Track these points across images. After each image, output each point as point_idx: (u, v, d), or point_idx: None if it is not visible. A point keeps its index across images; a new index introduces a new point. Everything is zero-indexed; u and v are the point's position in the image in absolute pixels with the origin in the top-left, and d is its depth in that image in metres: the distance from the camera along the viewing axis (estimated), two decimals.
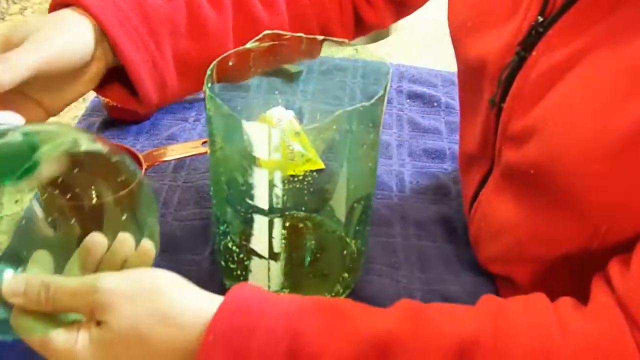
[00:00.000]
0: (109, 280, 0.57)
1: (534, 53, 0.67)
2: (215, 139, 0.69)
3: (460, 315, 0.58)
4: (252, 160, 0.64)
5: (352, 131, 0.66)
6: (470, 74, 0.80)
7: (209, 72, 0.68)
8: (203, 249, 0.86)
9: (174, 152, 0.94)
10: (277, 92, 1.01)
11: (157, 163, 0.92)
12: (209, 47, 0.78)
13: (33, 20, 0.71)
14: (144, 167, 0.86)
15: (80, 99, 1.11)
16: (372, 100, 0.65)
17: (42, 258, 0.60)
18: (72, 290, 0.57)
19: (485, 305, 0.60)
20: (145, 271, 0.59)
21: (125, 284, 0.57)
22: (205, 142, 0.97)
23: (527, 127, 0.67)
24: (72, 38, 0.69)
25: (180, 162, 0.98)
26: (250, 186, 0.67)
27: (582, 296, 0.60)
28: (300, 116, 1.02)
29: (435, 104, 1.17)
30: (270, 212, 0.68)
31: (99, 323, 0.57)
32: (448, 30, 0.89)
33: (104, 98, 1.06)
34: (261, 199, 0.67)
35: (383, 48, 1.30)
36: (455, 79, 1.25)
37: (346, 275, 0.77)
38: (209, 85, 0.67)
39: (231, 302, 0.57)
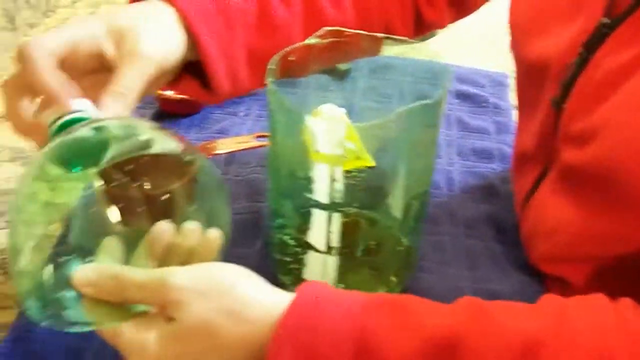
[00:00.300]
0: (178, 277, 0.57)
1: (598, 53, 0.67)
2: (276, 133, 0.70)
3: (523, 314, 0.59)
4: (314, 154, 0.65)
5: (413, 129, 0.66)
6: (530, 73, 0.80)
7: (271, 66, 0.68)
8: (253, 242, 0.86)
9: (226, 145, 0.95)
10: (326, 89, 1.02)
11: (209, 156, 0.93)
12: (278, 43, 0.79)
13: (123, 14, 0.72)
14: None
15: None
16: (435, 99, 0.65)
17: (111, 246, 0.60)
18: (141, 283, 0.57)
19: (548, 304, 0.60)
20: (214, 266, 0.60)
21: (195, 280, 0.57)
22: (259, 136, 0.98)
23: (589, 127, 0.67)
24: (170, 42, 0.71)
25: (231, 156, 0.99)
26: (310, 180, 0.67)
27: (637, 298, 0.61)
28: (349, 114, 1.03)
29: (484, 104, 1.17)
30: (329, 206, 0.69)
31: (169, 318, 0.57)
32: (495, 31, 0.89)
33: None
34: (321, 193, 0.68)
35: (430, 47, 1.30)
36: (504, 80, 1.25)
37: (400, 271, 0.77)
38: (271, 79, 0.67)
39: (301, 299, 0.58)
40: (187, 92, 0.80)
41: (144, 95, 0.73)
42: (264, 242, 0.86)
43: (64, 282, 0.59)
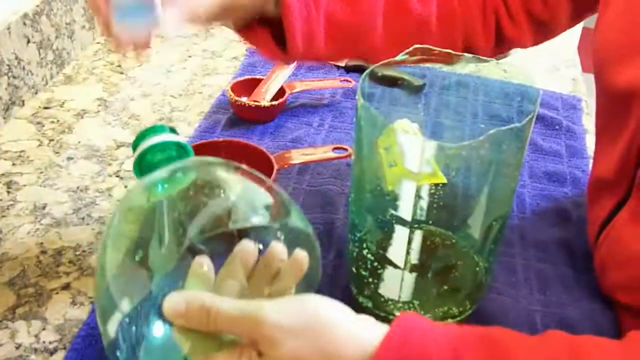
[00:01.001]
0: (272, 313, 0.55)
1: None
2: (362, 148, 0.70)
3: (612, 352, 0.58)
4: (403, 170, 0.65)
5: (500, 151, 0.66)
6: (615, 100, 0.79)
7: (363, 78, 0.69)
8: (327, 253, 0.86)
9: (304, 155, 0.95)
10: (400, 104, 1.02)
11: (287, 165, 0.93)
12: (358, 15, 0.82)
13: None
14: (275, 168, 0.87)
15: (207, 95, 1.14)
16: (524, 122, 0.65)
17: (199, 269, 0.60)
18: (233, 317, 0.56)
19: (635, 341, 0.59)
20: (308, 302, 0.58)
21: (288, 317, 0.56)
22: (335, 148, 0.98)
23: None
24: None
25: (304, 166, 0.99)
26: (395, 196, 0.67)
27: None
28: (422, 129, 1.03)
29: (557, 127, 1.16)
30: (411, 223, 0.69)
31: (260, 352, 0.57)
32: (566, 57, 0.88)
33: (231, 95, 1.08)
34: (405, 210, 0.68)
35: (501, 66, 1.29)
36: (577, 103, 1.24)
37: (474, 292, 0.77)
38: (362, 93, 0.67)
39: (395, 334, 0.57)
40: (260, 45, 0.81)
41: (215, 21, 0.76)
42: (337, 253, 0.86)
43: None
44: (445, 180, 0.84)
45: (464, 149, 0.64)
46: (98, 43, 1.31)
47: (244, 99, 1.09)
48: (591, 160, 1.09)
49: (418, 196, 0.67)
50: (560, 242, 0.92)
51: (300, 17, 0.78)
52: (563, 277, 0.87)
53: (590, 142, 1.14)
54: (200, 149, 0.91)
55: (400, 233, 0.70)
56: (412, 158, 0.64)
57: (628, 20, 0.78)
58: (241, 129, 1.08)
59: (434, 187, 0.71)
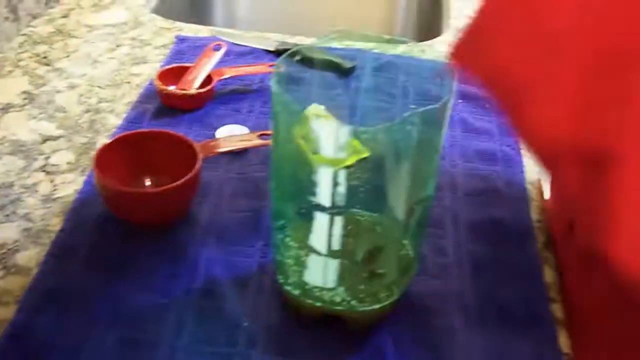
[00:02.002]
0: None
1: None
2: (279, 135, 0.69)
3: None
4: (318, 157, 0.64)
5: (419, 132, 0.66)
6: None
7: (278, 63, 0.68)
8: (255, 241, 0.86)
9: (229, 143, 0.94)
10: (330, 87, 1.01)
11: (212, 154, 0.92)
12: None
13: None
14: (200, 157, 0.86)
15: (135, 85, 1.13)
16: (442, 102, 0.64)
17: None
18: None
19: None
20: None
21: None
22: (261, 135, 0.97)
23: None
24: None
25: (235, 154, 0.98)
26: (313, 183, 0.67)
27: None
28: (352, 112, 1.02)
29: (487, 105, 1.16)
30: (332, 209, 0.68)
31: None
32: None
33: (158, 84, 1.07)
34: (324, 196, 0.67)
35: (435, 47, 1.29)
36: None
37: (402, 275, 0.76)
38: (276, 79, 0.66)
39: None
40: None
41: None
42: (265, 242, 0.85)
43: None
44: (368, 153, 0.83)
45: (379, 132, 0.64)
46: (24, 35, 1.28)
47: (171, 88, 1.08)
48: None
49: (335, 182, 0.66)
50: (492, 221, 0.92)
51: None
52: (495, 257, 0.87)
53: None
54: (122, 141, 0.89)
55: (321, 220, 0.69)
56: (327, 144, 0.63)
57: None
58: (169, 118, 1.06)
59: (354, 171, 0.70)
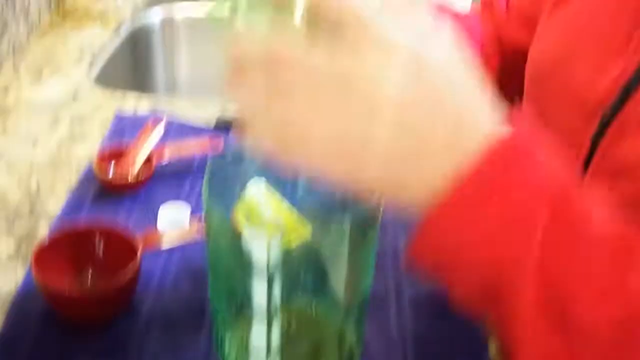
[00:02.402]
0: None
1: (637, 96, 0.70)
2: (213, 223, 0.69)
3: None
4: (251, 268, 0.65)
5: (353, 232, 0.67)
6: (559, 111, 0.81)
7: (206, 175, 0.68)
8: (200, 331, 0.86)
9: (171, 238, 0.94)
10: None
11: (153, 249, 0.92)
12: None
13: None
14: (139, 253, 0.86)
15: (75, 165, 1.12)
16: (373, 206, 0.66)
17: None
18: None
19: None
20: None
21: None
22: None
23: (623, 169, 0.70)
24: None
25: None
26: (249, 280, 0.67)
27: None
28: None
29: None
30: (269, 308, 0.69)
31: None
32: None
33: (98, 173, 1.06)
34: (259, 295, 0.67)
35: None
36: None
37: None
38: (208, 187, 0.67)
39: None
40: None
41: None
42: (210, 330, 0.85)
43: None
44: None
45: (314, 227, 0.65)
46: None
47: (110, 171, 1.08)
48: None
49: (270, 281, 0.66)
50: (436, 295, 0.93)
51: None
52: (439, 333, 0.88)
53: None
54: (61, 237, 0.89)
55: (259, 319, 0.70)
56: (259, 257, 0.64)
57: (567, 31, 0.83)
58: (109, 203, 1.05)
59: (294, 256, 0.70)
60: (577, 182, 0.55)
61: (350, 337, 0.77)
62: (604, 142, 0.73)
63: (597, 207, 0.54)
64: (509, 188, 0.50)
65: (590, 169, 0.75)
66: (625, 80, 0.71)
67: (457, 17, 1.00)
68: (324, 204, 0.69)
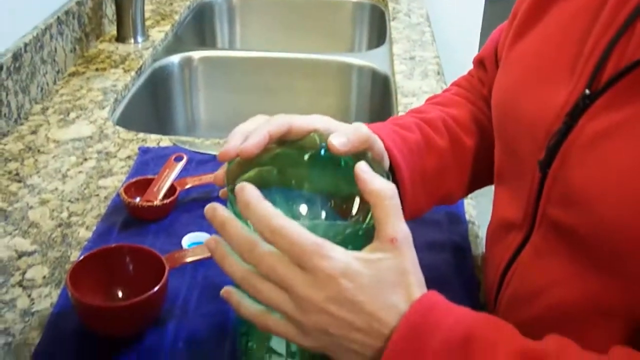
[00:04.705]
0: (339, 254, 0.68)
1: (581, 121, 0.76)
2: None
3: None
4: None
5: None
6: (517, 140, 0.87)
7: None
8: (224, 344, 0.92)
9: (194, 253, 1.01)
10: None
11: (179, 265, 0.98)
12: (441, 164, 1.00)
13: None
14: (167, 268, 0.93)
15: (103, 198, 1.19)
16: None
17: None
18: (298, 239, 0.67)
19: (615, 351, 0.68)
20: (374, 262, 0.69)
21: (354, 266, 0.68)
22: None
23: (572, 192, 0.75)
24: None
25: (199, 261, 1.04)
26: None
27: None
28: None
29: None
30: None
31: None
32: None
33: (124, 197, 1.14)
34: None
35: None
36: None
37: None
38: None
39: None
40: None
41: None
42: (232, 344, 0.91)
43: None
44: None
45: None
46: None
47: (137, 200, 1.15)
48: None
49: None
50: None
51: (409, 181, 0.94)
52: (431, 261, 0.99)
53: (469, 207, 1.22)
54: (93, 257, 0.95)
55: None
56: None
57: (522, 64, 0.90)
58: (137, 229, 1.13)
59: None
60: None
61: None
62: (553, 169, 0.79)
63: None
64: None
65: (543, 197, 0.81)
66: (569, 108, 0.77)
67: (424, 119, 1.04)
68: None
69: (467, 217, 1.20)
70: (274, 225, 0.67)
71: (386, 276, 0.69)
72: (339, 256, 0.67)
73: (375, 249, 0.70)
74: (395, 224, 0.70)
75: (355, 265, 0.67)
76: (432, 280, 1.03)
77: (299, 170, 0.78)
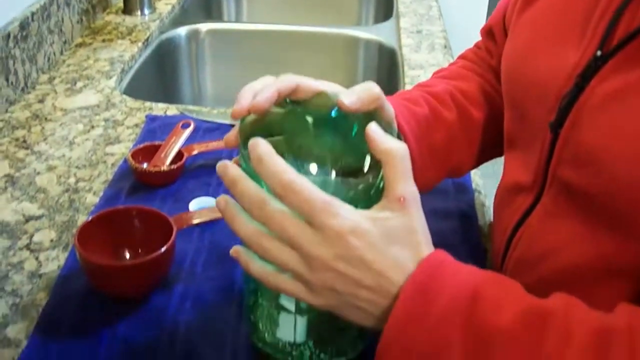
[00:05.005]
0: (348, 212, 0.67)
1: (592, 82, 0.76)
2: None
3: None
4: None
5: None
6: (527, 103, 0.88)
7: (241, 143, 0.75)
8: (229, 306, 0.93)
9: (201, 215, 1.01)
10: None
11: (186, 226, 0.99)
12: (448, 137, 1.01)
13: None
14: (175, 230, 0.93)
15: (110, 164, 1.19)
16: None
17: None
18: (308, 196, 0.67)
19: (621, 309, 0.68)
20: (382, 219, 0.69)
21: (362, 225, 0.67)
22: None
23: (584, 153, 0.76)
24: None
25: (206, 226, 1.06)
26: None
27: None
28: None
29: None
30: None
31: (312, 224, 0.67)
32: None
33: (132, 162, 1.14)
34: None
35: None
36: None
37: (364, 329, 0.83)
38: (243, 148, 0.74)
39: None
40: None
41: None
42: (238, 305, 0.92)
43: None
44: None
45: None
46: (2, 120, 1.35)
47: (144, 165, 1.15)
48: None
49: None
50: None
51: (417, 153, 0.95)
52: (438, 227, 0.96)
53: (475, 176, 1.23)
54: (102, 218, 0.96)
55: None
56: None
57: (533, 28, 0.90)
58: (144, 194, 1.13)
59: None
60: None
61: None
62: (564, 130, 0.79)
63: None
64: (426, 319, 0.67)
65: (554, 158, 0.81)
66: (580, 70, 0.78)
67: (431, 93, 1.05)
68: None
69: (474, 185, 1.21)
70: (286, 180, 0.67)
71: (394, 234, 0.69)
72: (347, 214, 0.67)
73: (383, 207, 0.70)
74: (404, 184, 0.70)
75: (364, 223, 0.67)
76: (439, 247, 1.05)
77: (310, 129, 0.78)
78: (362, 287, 0.68)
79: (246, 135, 0.74)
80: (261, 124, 0.76)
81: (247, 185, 0.70)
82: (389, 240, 0.68)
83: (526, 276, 0.86)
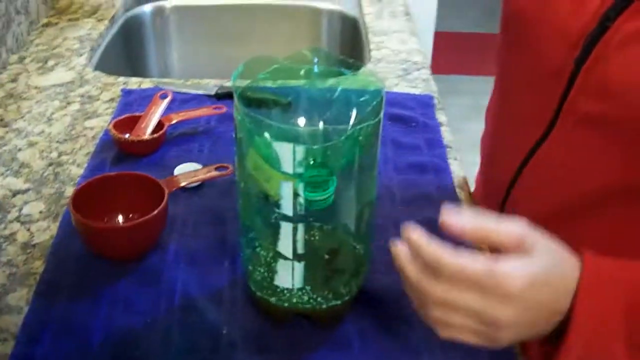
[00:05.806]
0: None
1: (616, 23, 0.80)
2: (244, 159, 0.79)
3: None
4: (280, 174, 0.75)
5: (361, 144, 0.77)
6: (542, 43, 0.90)
7: (237, 96, 0.78)
8: (223, 261, 0.97)
9: (190, 177, 1.04)
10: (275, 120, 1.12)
11: (176, 188, 1.02)
12: None
13: None
14: (167, 191, 0.96)
15: (91, 137, 1.22)
16: (376, 119, 0.76)
17: None
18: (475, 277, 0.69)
19: None
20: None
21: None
22: (218, 167, 1.07)
23: (609, 83, 0.80)
24: None
25: (194, 189, 1.09)
26: (277, 197, 0.77)
27: None
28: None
29: (414, 124, 1.28)
30: (294, 218, 0.79)
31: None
32: (415, 60, 1.01)
33: (114, 133, 1.16)
34: (287, 207, 0.78)
35: (360, 76, 1.41)
36: (429, 101, 1.37)
37: (357, 272, 0.87)
38: (239, 108, 0.77)
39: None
40: None
41: None
42: (231, 260, 0.95)
43: None
44: None
45: (328, 148, 0.75)
46: None
47: (126, 136, 1.18)
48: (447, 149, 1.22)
49: (296, 194, 0.77)
50: (429, 221, 1.03)
51: None
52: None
53: (445, 133, 1.27)
54: (92, 185, 0.99)
55: (286, 228, 0.79)
56: (286, 162, 0.74)
57: None
58: (128, 164, 1.16)
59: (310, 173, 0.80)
60: None
61: (360, 250, 0.87)
62: (586, 66, 0.83)
63: None
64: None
65: (573, 91, 0.85)
66: (604, 10, 0.81)
67: None
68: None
69: (445, 142, 1.25)
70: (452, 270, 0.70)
71: (546, 272, 0.71)
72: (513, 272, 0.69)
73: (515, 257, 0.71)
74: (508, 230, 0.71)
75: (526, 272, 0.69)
76: (418, 197, 1.10)
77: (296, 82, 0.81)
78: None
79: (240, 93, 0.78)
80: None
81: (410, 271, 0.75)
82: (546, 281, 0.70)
83: (545, 202, 0.91)
